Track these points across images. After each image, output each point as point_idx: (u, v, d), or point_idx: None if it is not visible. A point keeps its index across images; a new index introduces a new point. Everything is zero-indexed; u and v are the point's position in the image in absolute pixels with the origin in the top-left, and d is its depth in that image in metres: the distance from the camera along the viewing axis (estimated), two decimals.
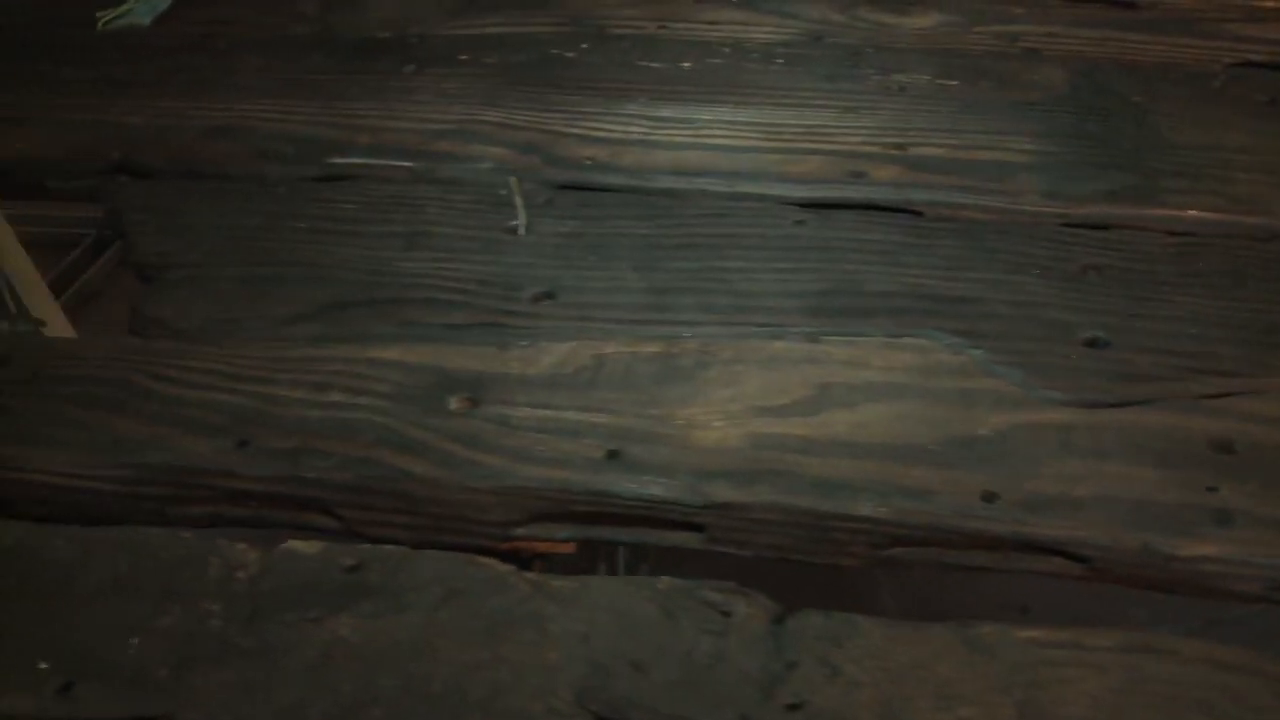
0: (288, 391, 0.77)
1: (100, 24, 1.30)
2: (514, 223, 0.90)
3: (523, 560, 0.71)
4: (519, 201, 0.92)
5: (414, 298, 0.84)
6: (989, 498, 0.69)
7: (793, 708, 0.59)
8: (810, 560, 0.71)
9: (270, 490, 0.72)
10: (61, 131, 1.09)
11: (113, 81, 1.17)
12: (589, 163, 0.97)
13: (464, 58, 1.15)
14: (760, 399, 0.75)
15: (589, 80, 1.09)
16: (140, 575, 0.68)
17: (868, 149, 0.99)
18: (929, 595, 1.36)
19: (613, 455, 0.71)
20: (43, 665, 0.64)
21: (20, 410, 0.79)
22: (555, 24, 1.21)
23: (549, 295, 0.84)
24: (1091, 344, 0.80)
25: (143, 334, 0.85)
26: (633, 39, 1.17)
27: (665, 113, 1.03)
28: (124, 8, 1.32)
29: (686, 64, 1.11)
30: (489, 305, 0.83)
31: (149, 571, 0.68)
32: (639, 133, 1.00)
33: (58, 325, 1.82)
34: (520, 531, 0.71)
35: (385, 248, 0.89)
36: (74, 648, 0.65)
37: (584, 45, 1.15)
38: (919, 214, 0.93)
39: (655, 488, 0.69)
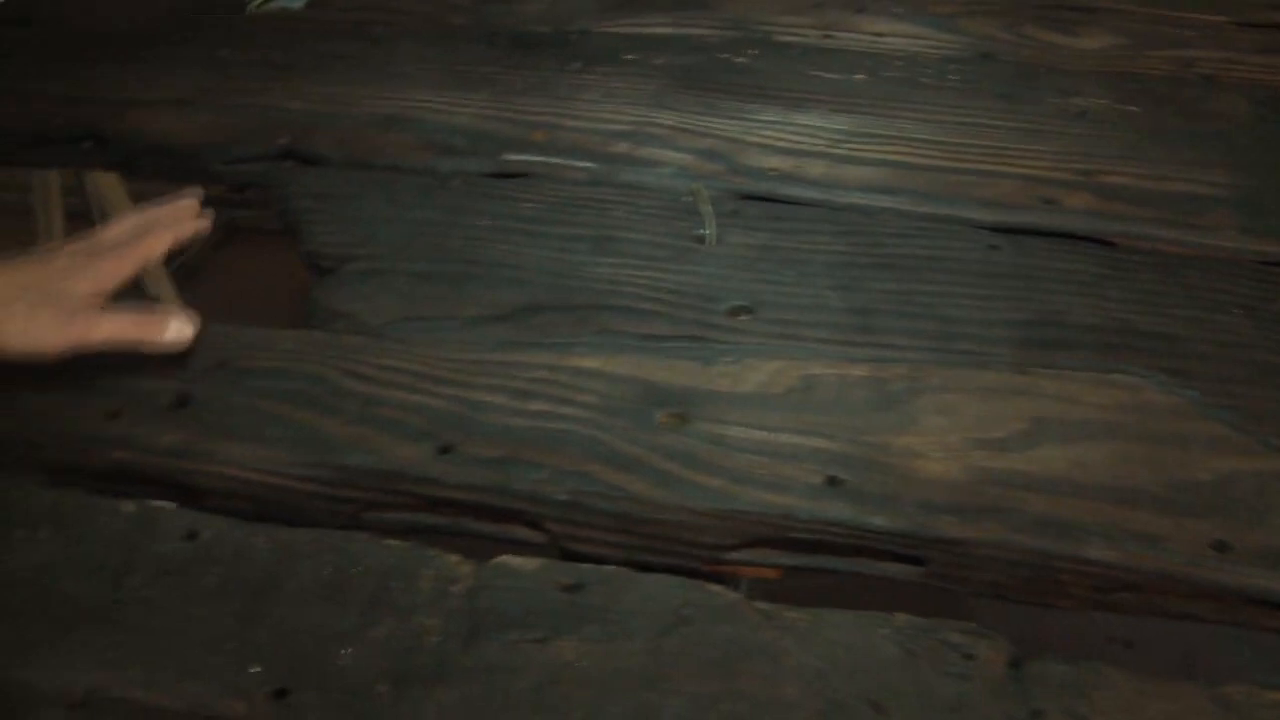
0: (489, 397, 0.75)
1: (251, 7, 1.29)
2: (702, 231, 0.88)
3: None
4: (707, 210, 0.90)
5: (609, 304, 0.82)
6: (1220, 547, 0.66)
7: None
8: (1028, 601, 0.68)
9: (475, 500, 0.70)
10: (224, 115, 1.07)
11: (271, 65, 1.16)
12: (774, 173, 0.95)
13: (630, 58, 1.12)
14: (976, 431, 0.73)
15: (763, 88, 1.06)
16: (348, 582, 0.66)
17: (1055, 175, 0.96)
18: (1030, 621, 1.33)
19: (833, 482, 0.69)
20: (254, 669, 0.62)
21: (210, 401, 0.77)
22: (719, 27, 1.18)
23: (747, 309, 0.81)
24: None
25: (325, 327, 0.83)
26: (801, 47, 1.14)
27: (845, 125, 1.01)
28: None
29: (859, 76, 1.08)
30: (687, 317, 0.81)
31: (357, 579, 0.66)
32: (822, 145, 0.98)
33: (172, 303, 1.82)
34: (733, 556, 0.69)
35: (573, 250, 0.87)
36: (284, 653, 0.63)
37: (752, 51, 1.13)
38: (1111, 245, 0.90)
39: (878, 518, 0.67)
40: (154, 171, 1.02)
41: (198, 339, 0.81)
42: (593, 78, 1.09)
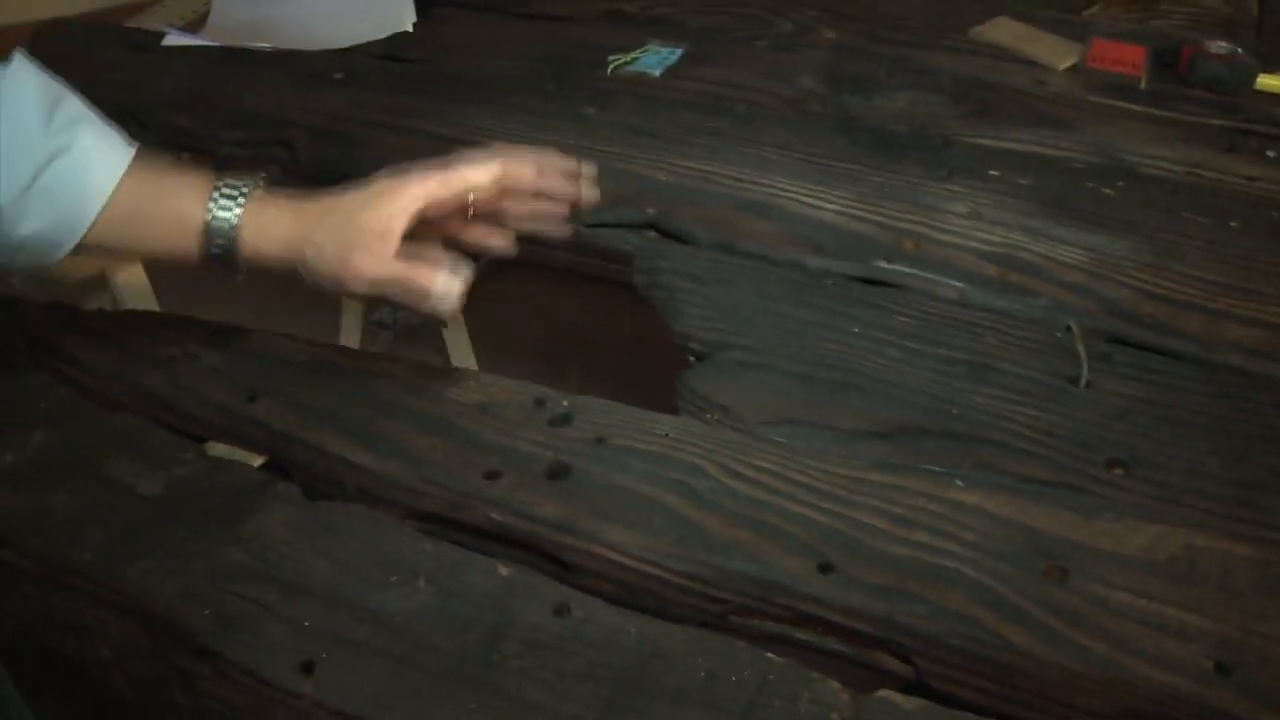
0: (870, 519, 0.75)
1: (610, 68, 1.32)
2: (1076, 373, 0.87)
3: None
4: (1081, 351, 0.88)
5: (987, 438, 0.81)
6: None
7: None
8: None
9: (850, 624, 0.71)
10: None
11: (632, 130, 1.19)
12: (1149, 320, 0.93)
13: (994, 173, 1.12)
14: None
15: (1134, 226, 1.04)
16: (721, 689, 0.67)
17: None
18: None
19: (1221, 670, 0.67)
20: None
21: (590, 475, 0.79)
22: (1082, 151, 1.16)
23: (1124, 464, 0.80)
24: None
25: (700, 416, 0.84)
26: (1170, 184, 1.11)
27: (1221, 278, 0.97)
28: (631, 55, 1.34)
29: (1234, 224, 1.05)
30: (1064, 463, 0.80)
31: (731, 687, 0.67)
32: (1197, 296, 0.95)
33: (459, 343, 1.86)
34: None
35: (949, 374, 0.87)
36: None
37: (1119, 183, 1.11)
38: None
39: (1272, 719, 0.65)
40: None
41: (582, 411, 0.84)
42: (959, 190, 1.09)
